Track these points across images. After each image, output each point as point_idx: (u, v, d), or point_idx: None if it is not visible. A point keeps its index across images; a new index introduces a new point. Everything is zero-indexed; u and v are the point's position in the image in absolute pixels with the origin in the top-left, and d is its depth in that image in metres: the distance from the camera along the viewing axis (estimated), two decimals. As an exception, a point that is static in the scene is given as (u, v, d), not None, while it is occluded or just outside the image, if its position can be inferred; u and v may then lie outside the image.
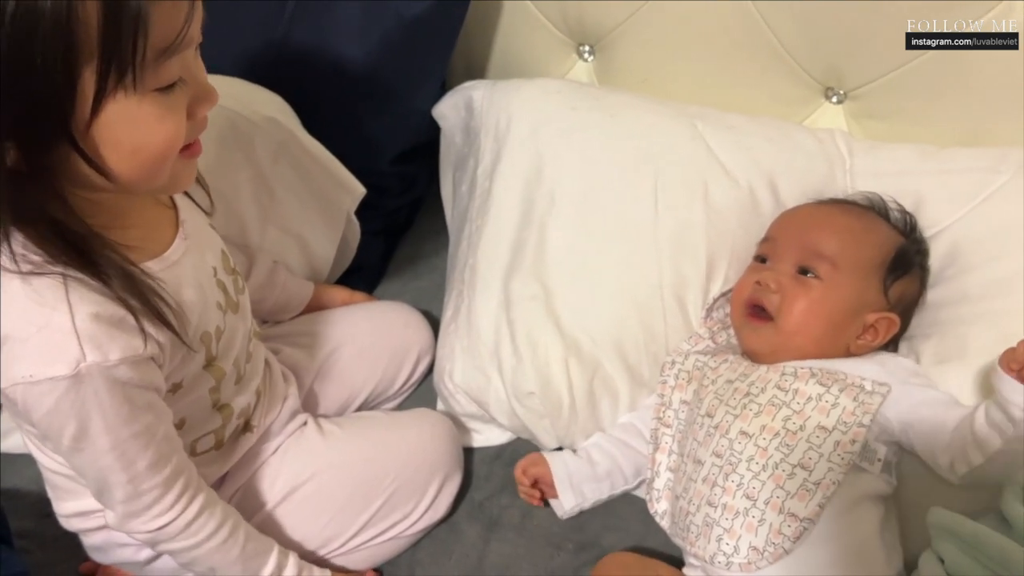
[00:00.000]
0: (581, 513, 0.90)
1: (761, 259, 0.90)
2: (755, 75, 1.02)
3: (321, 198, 1.01)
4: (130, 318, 0.60)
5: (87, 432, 0.61)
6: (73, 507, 0.75)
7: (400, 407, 1.03)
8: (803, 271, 0.86)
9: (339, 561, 0.85)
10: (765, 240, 0.92)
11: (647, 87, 1.07)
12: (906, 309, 0.87)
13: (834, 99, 1.02)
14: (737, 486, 0.77)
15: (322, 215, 1.02)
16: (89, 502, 0.73)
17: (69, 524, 0.78)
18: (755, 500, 0.76)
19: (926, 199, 0.90)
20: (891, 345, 0.88)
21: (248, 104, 0.95)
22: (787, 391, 0.80)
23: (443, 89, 1.13)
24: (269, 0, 1.02)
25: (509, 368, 0.91)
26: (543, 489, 0.91)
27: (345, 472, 0.84)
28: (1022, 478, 0.68)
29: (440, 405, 1.01)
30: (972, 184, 0.89)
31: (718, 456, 0.79)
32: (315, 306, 1.03)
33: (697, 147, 0.96)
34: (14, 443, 0.94)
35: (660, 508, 0.86)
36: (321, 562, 0.83)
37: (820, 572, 0.74)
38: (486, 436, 0.98)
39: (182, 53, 0.55)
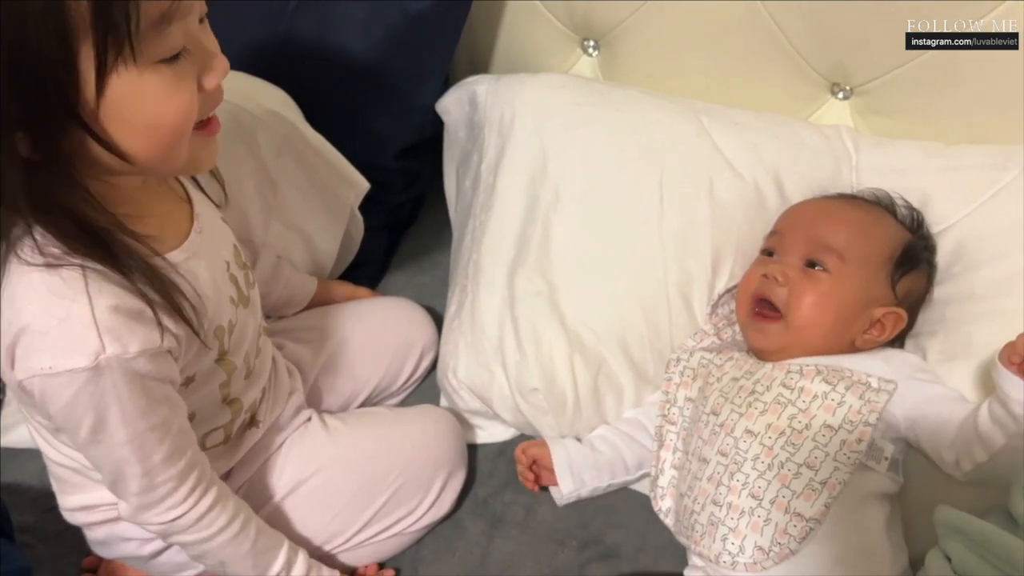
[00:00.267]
0: (585, 510, 0.90)
1: (768, 252, 0.90)
2: (761, 70, 1.02)
3: (325, 193, 1.01)
4: (148, 311, 0.60)
5: (105, 424, 0.61)
6: (78, 500, 0.75)
7: (403, 403, 1.03)
8: (811, 264, 0.85)
9: (343, 557, 0.85)
10: (772, 234, 0.91)
11: (652, 82, 1.06)
12: (913, 305, 0.87)
13: (840, 95, 1.02)
14: (742, 485, 0.77)
15: (326, 210, 1.02)
16: (94, 496, 0.73)
17: (74, 518, 0.77)
18: (761, 499, 0.76)
19: (932, 196, 0.90)
20: (897, 342, 0.88)
21: (251, 98, 0.94)
22: (793, 389, 0.80)
23: (447, 84, 1.12)
24: (273, -5, 1.02)
25: (513, 364, 0.90)
26: (540, 473, 0.90)
27: (349, 468, 0.84)
28: (1029, 476, 0.68)
29: (444, 401, 1.01)
30: (979, 181, 0.88)
31: (723, 455, 0.79)
32: (318, 301, 1.02)
33: (702, 143, 0.95)
34: (15, 438, 0.94)
35: (664, 506, 0.85)
36: (326, 559, 0.83)
37: (825, 571, 0.74)
38: (490, 432, 0.98)
39: (183, 20, 0.54)
